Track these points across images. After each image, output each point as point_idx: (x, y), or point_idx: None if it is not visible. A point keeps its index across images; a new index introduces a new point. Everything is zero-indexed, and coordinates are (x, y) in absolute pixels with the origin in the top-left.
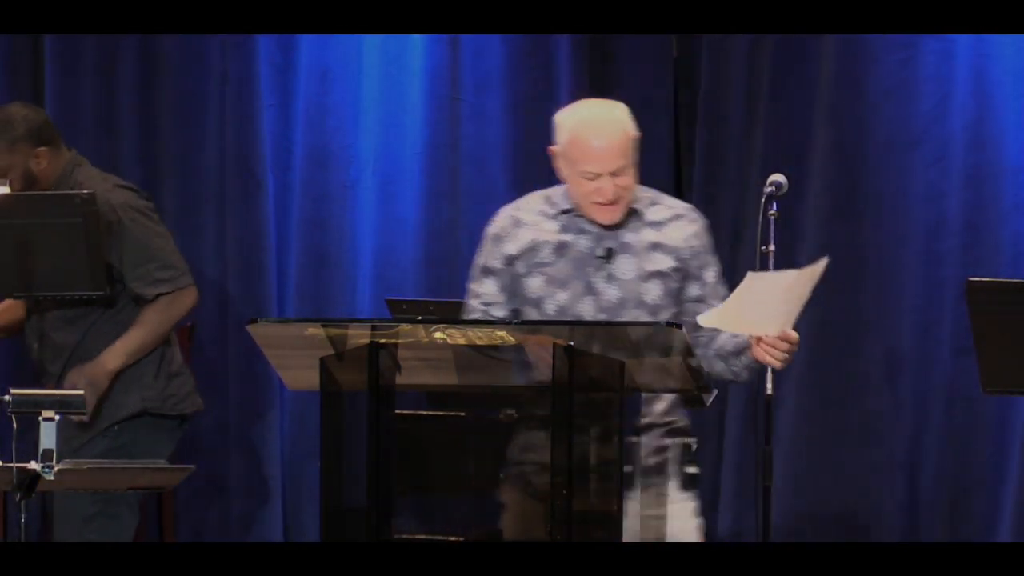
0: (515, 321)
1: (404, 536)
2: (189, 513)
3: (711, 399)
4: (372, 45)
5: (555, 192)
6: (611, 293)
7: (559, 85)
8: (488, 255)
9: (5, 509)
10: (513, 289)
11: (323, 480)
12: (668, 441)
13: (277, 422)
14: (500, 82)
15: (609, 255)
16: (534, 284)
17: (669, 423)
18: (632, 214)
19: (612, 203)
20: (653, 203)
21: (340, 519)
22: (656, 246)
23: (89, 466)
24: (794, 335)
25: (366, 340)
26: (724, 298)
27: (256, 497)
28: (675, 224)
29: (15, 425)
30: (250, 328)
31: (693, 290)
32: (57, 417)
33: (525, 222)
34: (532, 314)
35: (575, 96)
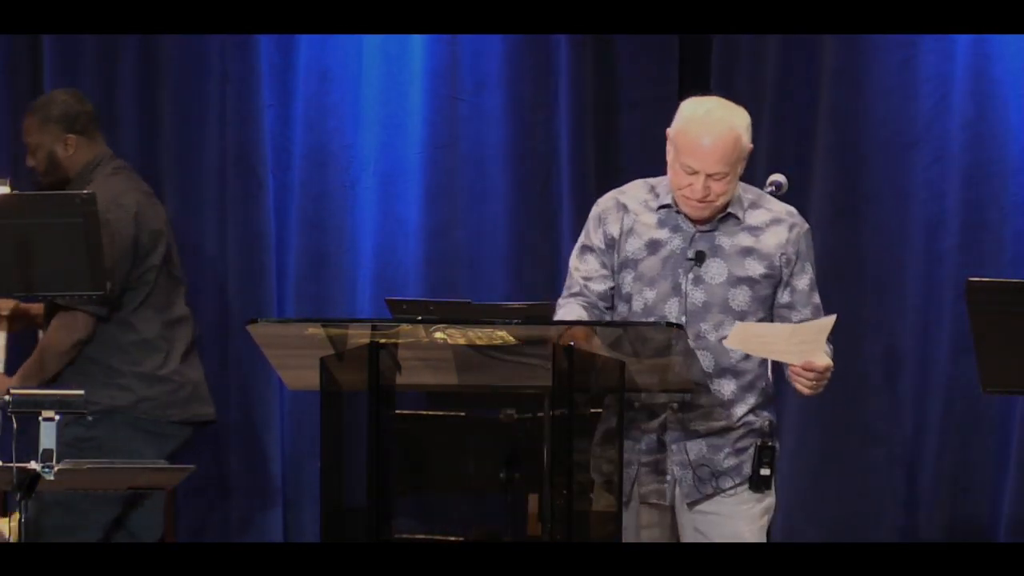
0: (515, 321)
1: (404, 536)
2: (189, 513)
3: None
4: (372, 45)
5: (660, 183)
6: (697, 296)
7: (559, 85)
8: (591, 234)
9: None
10: (609, 271)
11: (323, 480)
12: (748, 442)
13: (277, 422)
14: (499, 82)
15: (699, 258)
16: (626, 279)
17: (748, 423)
18: (728, 217)
19: (701, 201)
20: (754, 206)
21: (340, 519)
22: (749, 251)
23: (89, 466)
24: (820, 364)
25: (366, 340)
26: (816, 306)
27: (256, 497)
28: (772, 230)
29: (15, 425)
30: (250, 328)
31: (783, 296)
32: (57, 417)
33: (629, 208)
34: (621, 308)
35: (575, 95)
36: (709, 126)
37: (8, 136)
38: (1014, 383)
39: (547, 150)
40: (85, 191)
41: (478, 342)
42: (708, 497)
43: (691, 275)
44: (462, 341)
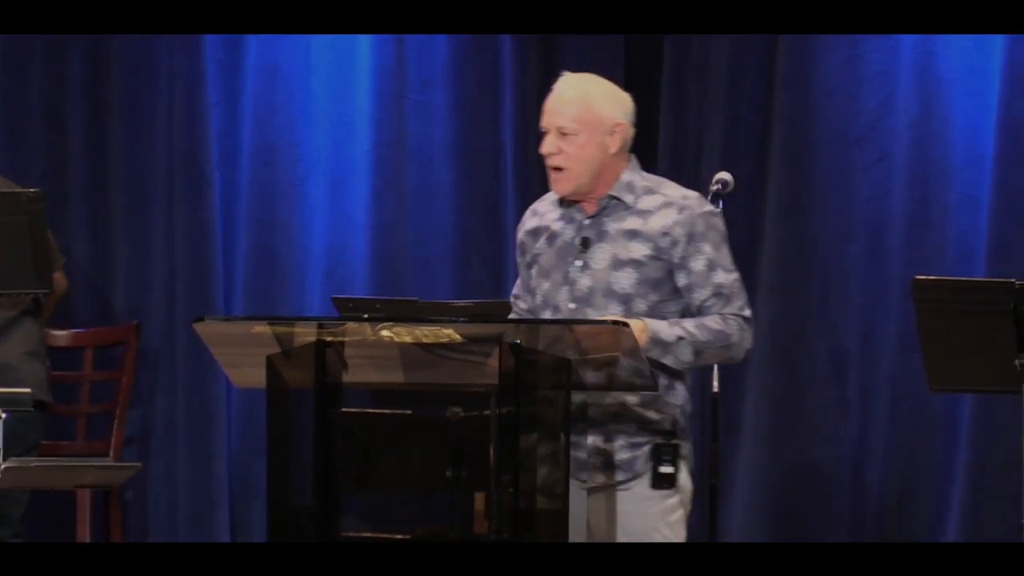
0: (461, 319)
1: (351, 535)
2: (136, 512)
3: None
4: (320, 43)
5: None
6: (583, 282)
7: (504, 83)
8: (517, 253)
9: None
10: (528, 279)
11: (270, 479)
12: (644, 438)
13: (225, 420)
14: (446, 80)
15: (585, 244)
16: (532, 274)
17: (645, 419)
18: (618, 204)
19: (555, 167)
20: (650, 192)
21: (287, 518)
22: (634, 234)
23: (35, 464)
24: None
25: (313, 338)
26: (717, 285)
27: (204, 496)
28: (661, 212)
29: None
30: (197, 326)
31: (681, 279)
32: (4, 415)
33: (538, 211)
34: (530, 300)
35: (521, 94)
36: (559, 87)
37: None
38: (960, 381)
39: (493, 148)
40: (32, 189)
41: (424, 340)
42: (602, 488)
43: (578, 262)
44: (408, 339)
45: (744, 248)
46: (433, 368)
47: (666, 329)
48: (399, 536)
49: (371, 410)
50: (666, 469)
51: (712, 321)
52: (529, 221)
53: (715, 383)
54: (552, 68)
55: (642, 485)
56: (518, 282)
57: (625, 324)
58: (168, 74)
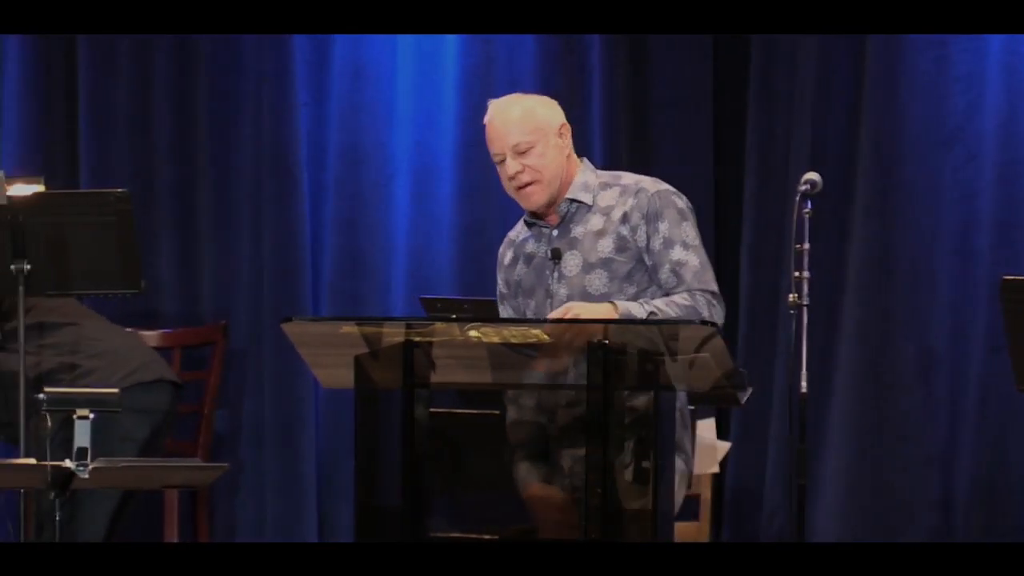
0: (550, 319)
1: (439, 535)
2: (223, 512)
3: (746, 397)
4: (406, 43)
5: None
6: (561, 292)
7: (592, 84)
8: (498, 282)
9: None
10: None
11: (357, 479)
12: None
13: (312, 420)
14: (533, 81)
15: (556, 256)
16: (518, 299)
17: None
18: (579, 206)
19: (526, 184)
20: (606, 186)
21: (374, 518)
22: (601, 233)
23: (123, 464)
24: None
25: (400, 338)
26: (675, 262)
27: (291, 496)
28: (620, 203)
29: (49, 423)
30: (285, 326)
31: (649, 260)
32: (91, 415)
33: (512, 240)
34: None
35: (609, 95)
36: (496, 110)
37: (42, 136)
38: None
39: (580, 149)
40: (119, 189)
41: (513, 340)
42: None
43: (555, 274)
44: (496, 340)
45: (832, 249)
46: (521, 368)
47: (636, 308)
48: (487, 536)
49: (459, 410)
50: (646, 464)
51: (681, 298)
52: (507, 255)
53: (803, 384)
54: (640, 69)
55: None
56: (504, 313)
57: (714, 324)
58: (256, 74)
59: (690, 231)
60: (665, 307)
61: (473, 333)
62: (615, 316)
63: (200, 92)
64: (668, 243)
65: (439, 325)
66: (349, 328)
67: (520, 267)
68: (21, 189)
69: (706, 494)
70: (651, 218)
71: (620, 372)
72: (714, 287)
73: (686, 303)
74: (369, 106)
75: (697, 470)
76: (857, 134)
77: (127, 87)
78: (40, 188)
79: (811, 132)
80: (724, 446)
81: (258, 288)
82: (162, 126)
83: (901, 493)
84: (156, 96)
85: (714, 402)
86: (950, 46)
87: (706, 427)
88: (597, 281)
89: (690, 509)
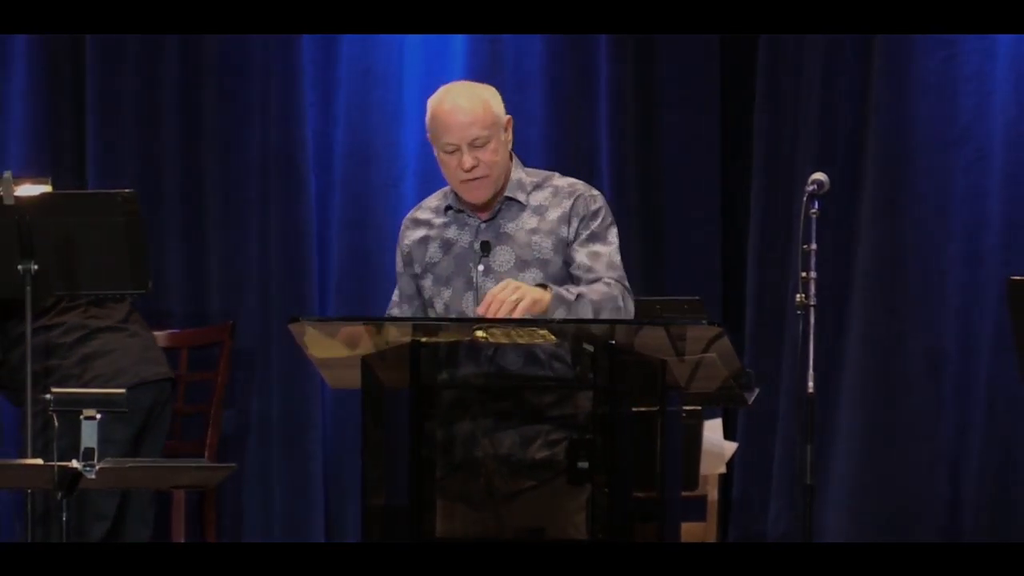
0: (559, 320)
1: (445, 536)
2: (231, 513)
3: (753, 397)
4: (413, 43)
5: (451, 189)
6: (488, 286)
7: (599, 84)
8: (396, 262)
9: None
10: (414, 290)
11: (364, 479)
12: (562, 435)
13: (319, 420)
14: (540, 81)
15: (485, 248)
16: (426, 284)
17: (563, 416)
18: (512, 203)
19: (477, 178)
20: (539, 187)
21: (381, 518)
22: (535, 232)
23: (130, 464)
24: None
25: (408, 339)
26: (591, 254)
27: (298, 496)
28: (555, 204)
29: (56, 423)
30: (292, 327)
31: (569, 253)
32: (98, 416)
33: (420, 220)
34: (429, 315)
35: (616, 95)
36: (453, 100)
37: (50, 136)
38: None
39: (588, 149)
40: (127, 190)
41: (520, 341)
42: (524, 491)
43: (480, 267)
44: (504, 340)
45: (840, 249)
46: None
47: (565, 291)
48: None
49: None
50: (584, 465)
51: (600, 285)
52: (413, 231)
53: (810, 384)
54: (647, 69)
55: (558, 480)
56: (396, 294)
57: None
58: (263, 74)
59: (615, 237)
60: (587, 291)
61: (480, 334)
62: (549, 297)
63: (208, 92)
64: (593, 237)
65: (446, 325)
66: (356, 328)
67: (435, 250)
68: (29, 190)
69: (713, 494)
70: (584, 219)
71: (626, 373)
72: (627, 283)
73: (605, 289)
74: (377, 106)
75: (704, 471)
76: (865, 134)
77: (135, 87)
78: (47, 189)
79: (818, 132)
80: (731, 447)
81: (265, 288)
82: (170, 126)
83: (909, 493)
84: (164, 96)
85: (721, 402)
86: (959, 46)
87: (713, 427)
88: (530, 279)
89: (697, 510)
